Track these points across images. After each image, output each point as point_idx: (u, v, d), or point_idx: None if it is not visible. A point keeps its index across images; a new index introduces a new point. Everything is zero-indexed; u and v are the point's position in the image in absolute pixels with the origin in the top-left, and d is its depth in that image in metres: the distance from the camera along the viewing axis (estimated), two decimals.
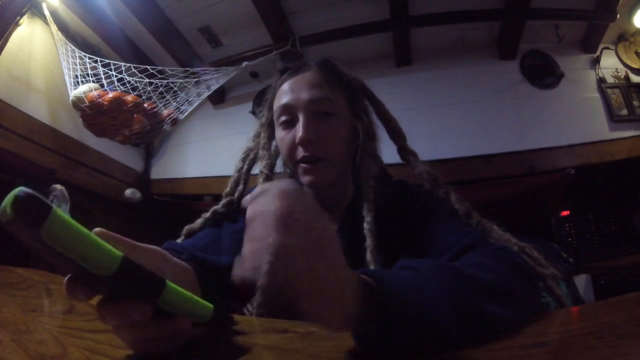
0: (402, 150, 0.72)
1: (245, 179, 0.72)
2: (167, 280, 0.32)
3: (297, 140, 0.61)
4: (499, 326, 0.35)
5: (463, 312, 0.33)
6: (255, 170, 0.72)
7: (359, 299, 0.29)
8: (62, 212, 0.25)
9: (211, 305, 0.37)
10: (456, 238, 0.56)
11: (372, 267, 0.58)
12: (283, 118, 0.64)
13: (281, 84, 0.67)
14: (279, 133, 0.66)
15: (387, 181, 0.71)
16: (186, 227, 0.69)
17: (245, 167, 0.73)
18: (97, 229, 0.31)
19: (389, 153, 0.75)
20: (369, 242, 0.59)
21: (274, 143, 0.71)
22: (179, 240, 0.67)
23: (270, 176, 0.67)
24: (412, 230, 0.63)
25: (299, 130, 0.61)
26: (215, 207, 0.70)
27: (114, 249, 0.28)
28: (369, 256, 0.58)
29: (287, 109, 0.64)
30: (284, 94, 0.64)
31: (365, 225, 0.60)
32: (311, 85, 0.63)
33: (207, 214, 0.69)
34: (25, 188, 0.24)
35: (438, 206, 0.64)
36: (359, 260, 0.59)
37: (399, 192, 0.68)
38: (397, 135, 0.72)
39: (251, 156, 0.73)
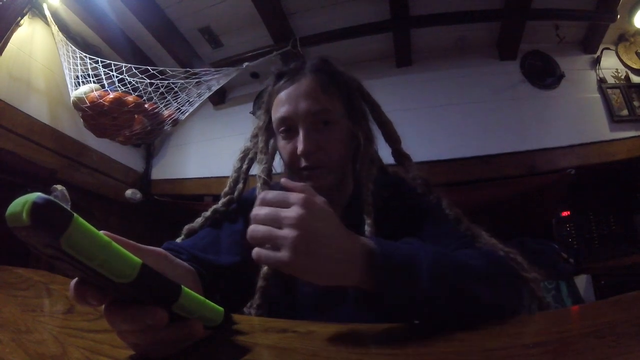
0: (396, 153, 0.73)
1: (244, 178, 0.73)
2: (182, 286, 0.32)
3: (298, 152, 0.63)
4: (475, 303, 0.41)
5: (442, 279, 0.40)
6: (254, 170, 0.72)
7: (360, 255, 0.39)
8: (82, 219, 0.25)
9: (222, 309, 0.37)
10: (448, 241, 0.58)
11: None
12: (283, 128, 0.66)
13: (278, 91, 0.68)
14: (280, 142, 0.68)
15: (385, 180, 0.72)
16: (186, 227, 0.69)
17: (244, 167, 0.73)
18: (102, 232, 0.31)
19: (383, 154, 0.77)
20: None
21: (270, 144, 0.72)
22: (178, 240, 0.67)
23: (267, 181, 0.68)
24: (406, 228, 0.64)
25: (300, 142, 0.62)
26: (215, 206, 0.70)
27: (132, 256, 0.28)
28: None
29: (286, 121, 0.65)
30: (282, 105, 0.66)
31: (366, 228, 0.61)
32: (308, 95, 0.64)
33: (207, 213, 0.70)
34: (42, 194, 0.23)
35: (431, 208, 0.65)
36: None
37: (395, 192, 0.69)
38: (392, 138, 0.73)
39: (250, 156, 0.74)
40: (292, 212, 0.37)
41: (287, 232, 0.36)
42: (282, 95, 0.66)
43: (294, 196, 0.39)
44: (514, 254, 0.54)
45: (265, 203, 0.40)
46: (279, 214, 0.37)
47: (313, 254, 0.36)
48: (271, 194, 0.40)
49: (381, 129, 0.74)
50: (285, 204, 0.38)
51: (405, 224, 0.64)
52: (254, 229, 0.38)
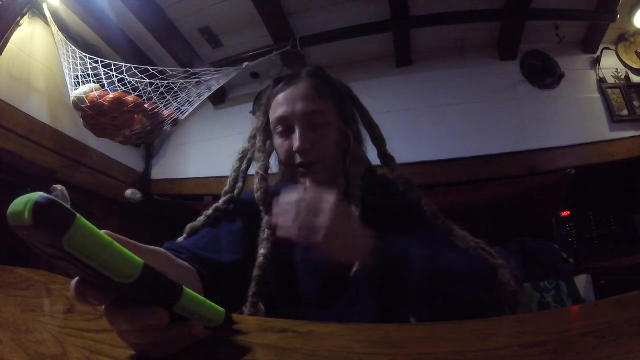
0: (382, 155, 0.78)
1: (244, 177, 0.75)
2: (183, 286, 0.32)
3: (294, 149, 0.68)
4: (451, 291, 0.54)
5: (427, 262, 0.53)
6: (252, 170, 0.75)
7: (370, 240, 0.53)
8: (84, 219, 0.24)
9: (223, 310, 0.37)
10: (432, 244, 0.63)
11: None
12: (280, 128, 0.71)
13: (276, 94, 0.72)
14: (277, 140, 0.73)
15: (373, 179, 0.76)
16: (189, 225, 0.70)
17: (243, 167, 0.76)
18: (103, 232, 0.31)
19: (371, 155, 0.80)
20: None
21: (267, 144, 0.76)
22: (180, 239, 0.68)
23: (265, 177, 0.71)
24: (394, 228, 0.67)
25: (296, 140, 0.68)
26: (217, 205, 0.72)
27: (134, 256, 0.28)
28: None
29: (283, 120, 0.70)
30: (280, 106, 0.71)
31: None
32: (304, 97, 0.69)
33: (209, 212, 0.71)
34: (44, 194, 0.23)
35: (418, 214, 0.70)
36: None
37: (385, 193, 0.73)
38: (378, 141, 0.78)
39: (249, 156, 0.76)
40: (330, 199, 0.51)
41: (323, 220, 0.50)
42: (280, 97, 0.71)
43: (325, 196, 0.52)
44: (484, 244, 0.63)
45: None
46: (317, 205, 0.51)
47: (339, 236, 0.50)
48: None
49: (369, 131, 0.78)
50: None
51: (394, 224, 0.67)
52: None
